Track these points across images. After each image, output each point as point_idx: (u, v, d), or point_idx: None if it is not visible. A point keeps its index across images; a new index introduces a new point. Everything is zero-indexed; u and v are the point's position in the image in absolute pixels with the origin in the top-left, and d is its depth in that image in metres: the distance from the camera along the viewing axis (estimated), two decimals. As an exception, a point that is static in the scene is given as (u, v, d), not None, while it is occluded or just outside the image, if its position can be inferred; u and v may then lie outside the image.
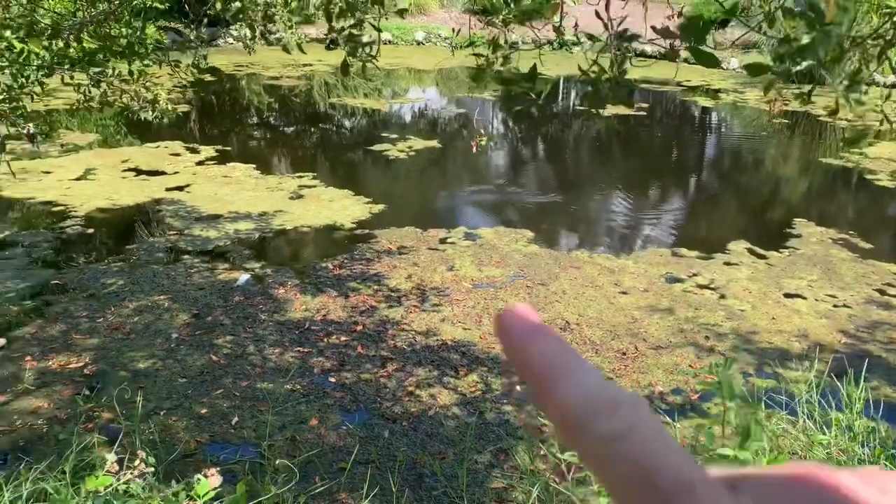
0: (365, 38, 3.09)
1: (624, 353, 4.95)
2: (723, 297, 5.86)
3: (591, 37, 2.73)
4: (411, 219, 7.43)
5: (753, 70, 2.29)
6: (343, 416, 4.17)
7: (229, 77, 15.30)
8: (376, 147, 10.27)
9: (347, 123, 12.55)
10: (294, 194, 8.11)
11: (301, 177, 8.78)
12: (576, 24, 3.38)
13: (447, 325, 5.27)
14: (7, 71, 4.01)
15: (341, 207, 7.70)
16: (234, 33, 18.98)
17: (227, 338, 4.98)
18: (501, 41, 3.05)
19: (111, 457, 1.94)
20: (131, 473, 1.97)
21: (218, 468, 1.90)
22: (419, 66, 17.55)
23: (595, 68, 2.66)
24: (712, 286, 6.05)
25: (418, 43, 20.52)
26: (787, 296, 5.90)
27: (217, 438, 3.91)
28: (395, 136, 10.95)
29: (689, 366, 4.81)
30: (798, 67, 2.36)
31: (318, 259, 6.45)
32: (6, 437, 3.89)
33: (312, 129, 11.99)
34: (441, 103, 14.34)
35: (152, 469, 2.01)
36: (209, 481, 1.84)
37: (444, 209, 8.30)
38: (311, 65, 17.03)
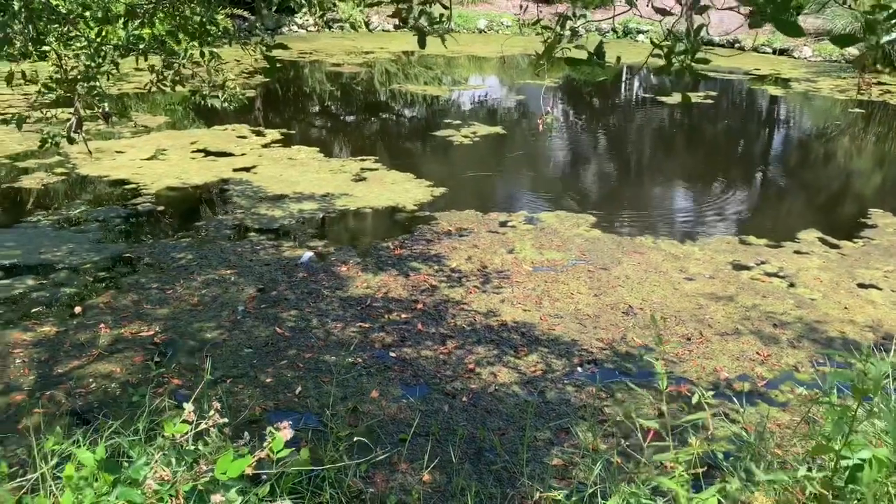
0: (436, 14, 3.09)
1: (689, 339, 4.85)
2: (792, 285, 5.69)
3: (661, 10, 2.67)
4: (472, 202, 7.43)
5: (841, 41, 2.20)
6: (404, 389, 4.21)
7: (293, 64, 15.53)
8: (439, 133, 10.30)
9: (409, 110, 12.61)
10: (357, 177, 8.19)
11: (364, 160, 8.87)
12: (648, -4, 3.30)
13: (507, 306, 5.26)
14: (83, 53, 4.16)
15: (403, 190, 7.74)
16: (299, 20, 19.26)
17: (291, 312, 5.08)
18: (569, 15, 3.00)
19: (189, 406, 1.99)
20: (206, 424, 2.02)
21: (290, 422, 1.93)
22: (481, 54, 17.49)
23: (668, 42, 2.59)
24: (781, 274, 5.88)
25: (480, 31, 20.45)
26: (861, 286, 5.69)
27: (281, 406, 3.99)
28: (458, 122, 10.96)
29: (757, 353, 4.69)
30: (888, 38, 2.26)
31: (380, 239, 6.51)
32: (82, 398, 4.05)
33: (374, 115, 12.08)
34: (503, 91, 14.28)
35: (225, 420, 2.06)
36: (282, 433, 1.87)
37: (505, 193, 8.27)
38: (372, 52, 17.16)
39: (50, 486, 2.28)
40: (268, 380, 4.24)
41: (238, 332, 4.79)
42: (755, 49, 17.63)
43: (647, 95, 14.18)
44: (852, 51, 15.88)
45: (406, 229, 6.73)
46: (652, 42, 2.61)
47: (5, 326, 4.79)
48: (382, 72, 15.39)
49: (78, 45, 4.44)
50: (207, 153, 8.94)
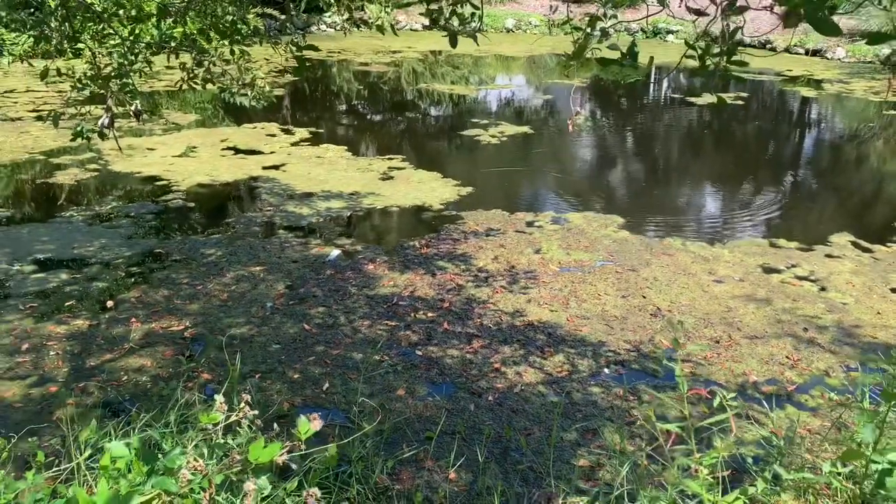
0: (467, 14, 3.10)
1: (717, 342, 4.81)
2: (823, 289, 5.62)
3: (695, 11, 2.65)
4: (499, 201, 7.43)
5: (875, 39, 2.18)
6: (430, 387, 4.22)
7: (321, 63, 15.63)
8: (467, 132, 10.31)
9: (436, 109, 12.63)
10: (384, 176, 8.23)
11: (391, 159, 8.91)
12: (681, -2, 3.27)
13: (533, 307, 5.25)
14: (115, 51, 4.23)
15: (430, 189, 7.76)
16: (327, 20, 19.37)
17: (318, 308, 5.12)
18: (600, 14, 2.99)
19: (220, 398, 2.03)
20: (236, 416, 2.05)
21: (320, 413, 1.95)
22: (508, 53, 17.46)
23: (702, 43, 2.57)
24: (812, 278, 5.81)
25: (508, 30, 20.43)
26: (895, 290, 5.60)
27: (309, 402, 4.03)
28: (485, 121, 10.96)
29: (787, 357, 4.63)
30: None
31: (406, 238, 6.53)
32: (113, 391, 4.11)
33: (401, 114, 12.12)
34: (530, 90, 14.25)
35: (255, 413, 2.09)
36: (312, 424, 1.90)
37: (532, 193, 8.26)
38: (400, 51, 17.22)
39: (85, 475, 2.33)
40: (295, 375, 4.28)
41: (267, 327, 4.83)
42: (787, 50, 17.41)
43: (675, 96, 14.06)
44: (886, 51, 15.62)
45: (433, 228, 6.75)
46: (686, 43, 2.60)
47: (40, 319, 4.88)
48: (410, 71, 15.43)
49: (112, 42, 4.52)
50: (237, 151, 9.04)
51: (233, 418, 2.06)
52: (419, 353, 4.60)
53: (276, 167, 8.42)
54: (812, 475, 2.20)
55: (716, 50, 2.52)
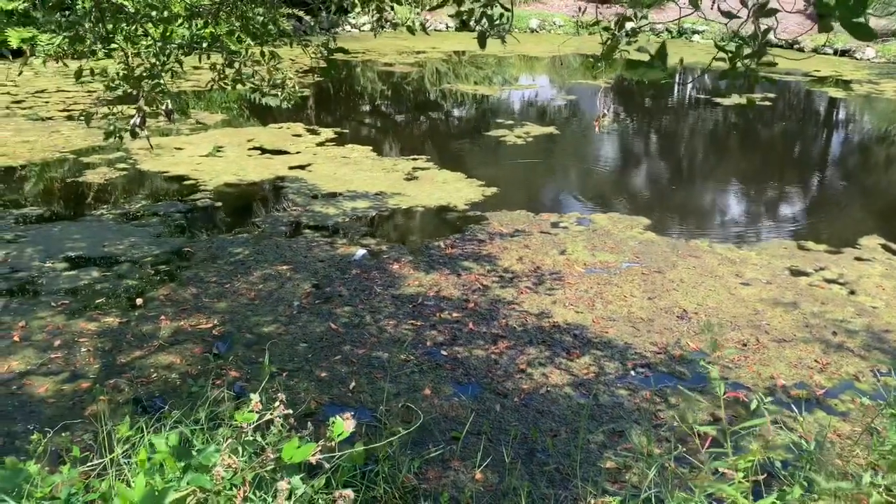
0: (496, 15, 3.11)
1: (745, 345, 4.77)
2: (853, 292, 5.55)
3: (727, 14, 2.63)
4: (523, 202, 7.42)
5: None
6: (455, 387, 4.23)
7: (345, 63, 15.69)
8: (491, 132, 10.31)
9: (460, 109, 12.64)
10: (409, 176, 8.26)
11: (416, 159, 8.94)
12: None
13: (559, 308, 5.24)
14: (145, 51, 4.28)
15: (454, 189, 7.78)
16: (352, 20, 19.45)
17: (345, 308, 5.15)
18: (629, 15, 2.98)
19: (255, 396, 2.05)
20: (270, 414, 2.07)
21: (353, 413, 1.97)
22: (532, 54, 17.43)
23: (732, 46, 2.56)
24: (841, 281, 5.74)
25: (532, 30, 20.39)
26: (927, 295, 5.52)
27: (336, 401, 4.05)
28: (510, 122, 10.95)
29: (815, 361, 4.58)
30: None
31: (431, 238, 6.55)
32: (143, 388, 4.17)
33: (426, 115, 12.14)
34: (554, 91, 14.21)
35: (289, 412, 2.11)
36: (345, 424, 1.91)
37: (557, 194, 8.24)
38: (424, 52, 17.25)
39: (118, 469, 2.36)
40: (322, 374, 4.31)
41: (294, 326, 4.87)
42: (815, 50, 17.20)
43: (700, 96, 13.95)
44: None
45: (457, 228, 6.76)
46: (716, 45, 2.58)
47: (71, 316, 4.96)
48: (434, 71, 15.45)
49: (144, 43, 4.58)
50: (264, 151, 9.12)
51: (266, 417, 2.09)
52: (444, 353, 4.61)
53: (302, 167, 8.48)
54: (848, 484, 2.18)
55: (746, 51, 2.50)
